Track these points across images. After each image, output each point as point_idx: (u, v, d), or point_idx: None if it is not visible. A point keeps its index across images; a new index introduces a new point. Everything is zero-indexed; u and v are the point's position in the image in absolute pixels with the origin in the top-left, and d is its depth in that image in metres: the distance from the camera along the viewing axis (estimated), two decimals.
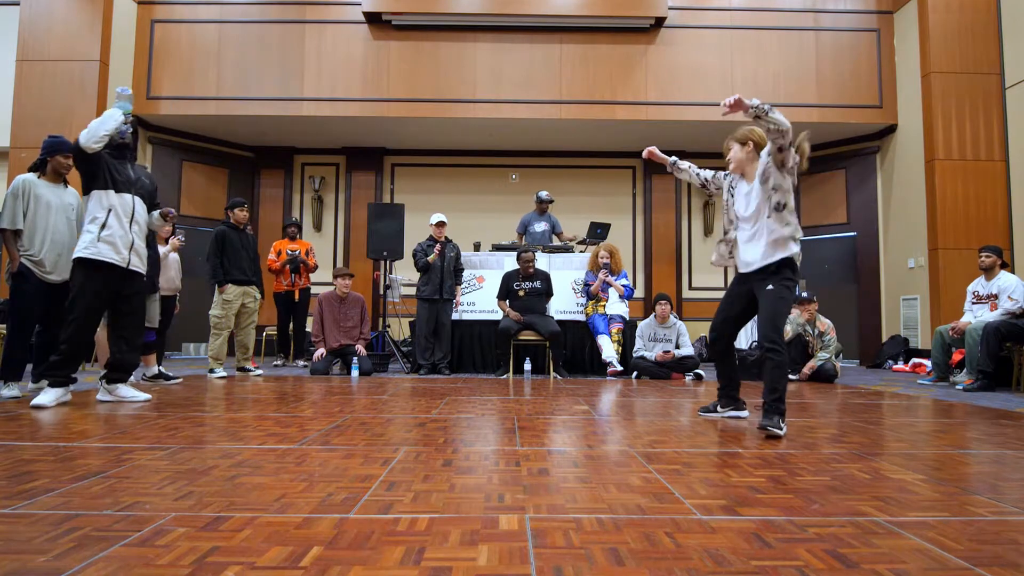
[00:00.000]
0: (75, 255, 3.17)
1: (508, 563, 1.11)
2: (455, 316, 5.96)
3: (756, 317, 2.82)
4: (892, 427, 2.80)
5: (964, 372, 4.97)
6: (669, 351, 5.42)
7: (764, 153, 2.70)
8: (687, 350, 5.50)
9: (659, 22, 7.37)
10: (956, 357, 5.15)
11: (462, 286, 6.14)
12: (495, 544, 1.21)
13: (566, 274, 6.19)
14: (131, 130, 3.30)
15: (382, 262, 6.81)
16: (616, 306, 5.86)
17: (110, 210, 3.17)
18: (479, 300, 6.21)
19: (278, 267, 6.49)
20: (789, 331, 5.28)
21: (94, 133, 3.06)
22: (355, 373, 5.31)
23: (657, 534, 1.27)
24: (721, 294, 8.57)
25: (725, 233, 2.93)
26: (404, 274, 7.22)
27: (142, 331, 3.55)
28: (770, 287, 2.68)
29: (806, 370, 5.24)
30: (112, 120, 3.11)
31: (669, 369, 5.39)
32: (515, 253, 5.91)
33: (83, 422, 2.63)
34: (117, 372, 3.33)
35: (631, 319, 6.00)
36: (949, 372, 5.15)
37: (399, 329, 7.70)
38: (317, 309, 5.64)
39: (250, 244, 5.34)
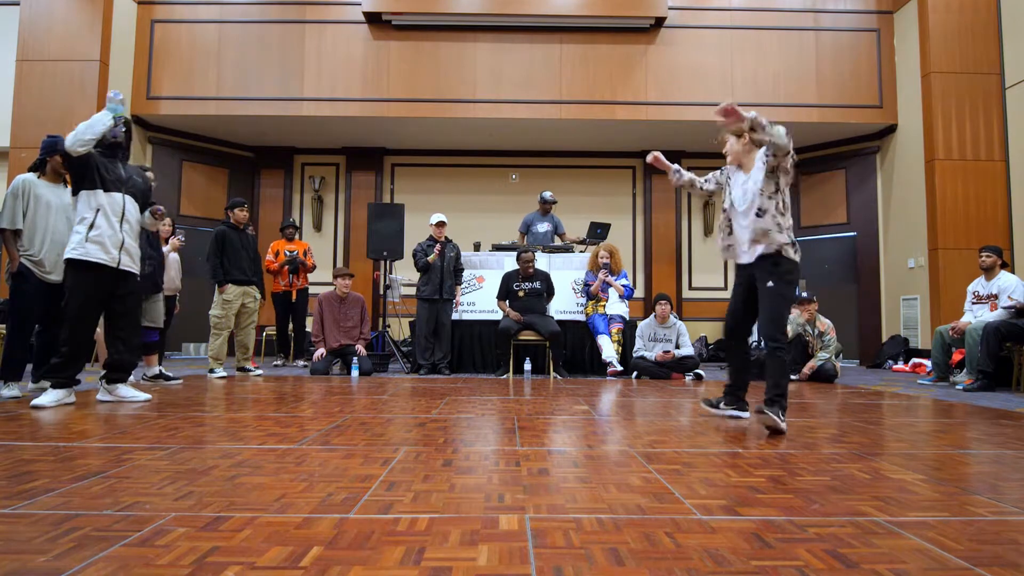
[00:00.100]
0: (64, 256, 3.16)
1: (508, 563, 1.11)
2: (455, 316, 5.96)
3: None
4: (892, 427, 2.80)
5: (964, 372, 4.97)
6: (669, 351, 5.42)
7: (764, 152, 2.69)
8: (687, 350, 5.50)
9: (659, 22, 7.37)
10: (956, 357, 5.15)
11: (462, 286, 6.14)
12: (495, 544, 1.21)
13: (566, 274, 6.19)
14: (124, 129, 3.28)
15: (382, 262, 6.81)
16: (616, 306, 5.86)
17: (98, 210, 3.15)
18: (479, 300, 6.21)
19: (276, 268, 6.49)
20: (789, 331, 5.27)
21: (80, 136, 3.03)
22: (355, 373, 5.32)
23: (657, 534, 1.27)
24: (721, 294, 8.66)
25: (722, 230, 2.93)
26: (404, 274, 7.22)
27: (138, 331, 3.54)
28: (770, 284, 2.68)
29: (806, 370, 5.24)
30: (100, 124, 3.08)
31: (669, 369, 5.39)
32: (515, 253, 5.91)
33: (83, 422, 2.63)
34: (116, 372, 3.32)
35: (631, 319, 6.00)
36: (949, 372, 5.15)
37: (399, 329, 7.70)
38: (317, 309, 5.64)
39: (250, 244, 5.34)
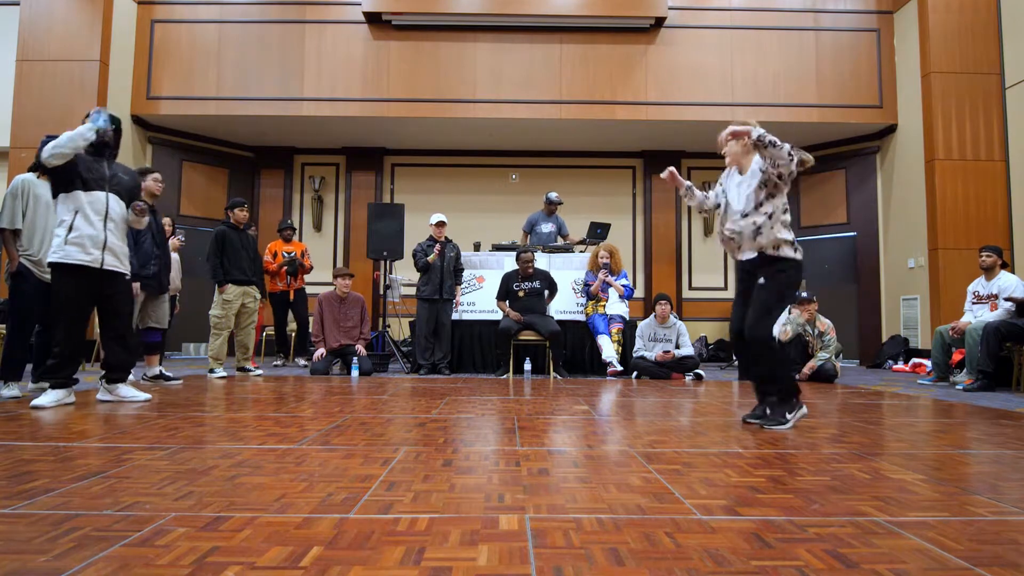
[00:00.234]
0: (47, 261, 3.15)
1: (508, 563, 1.11)
2: (455, 316, 5.96)
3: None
4: (892, 427, 2.80)
5: (964, 372, 4.97)
6: (669, 351, 5.42)
7: (761, 162, 2.68)
8: (687, 350, 5.50)
9: (659, 22, 7.37)
10: (956, 357, 5.15)
11: (462, 286, 6.14)
12: (495, 544, 1.20)
13: (566, 274, 6.19)
14: (114, 127, 3.23)
15: (382, 262, 6.81)
16: (616, 306, 5.86)
17: (77, 211, 3.10)
18: (479, 300, 6.21)
19: (275, 268, 6.49)
20: (789, 331, 5.28)
21: (59, 149, 2.98)
22: (355, 373, 5.32)
23: (657, 534, 1.27)
24: (721, 294, 8.66)
25: (722, 225, 2.92)
26: (404, 274, 7.22)
27: (132, 329, 3.51)
28: (762, 280, 2.69)
29: (806, 370, 5.23)
30: (80, 139, 3.02)
31: (669, 369, 5.39)
32: (515, 253, 5.91)
33: (83, 422, 2.63)
34: (115, 372, 3.32)
35: (631, 319, 6.00)
36: (949, 372, 5.15)
37: (399, 329, 7.70)
38: (317, 309, 5.64)
39: (250, 244, 5.34)
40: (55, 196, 3.15)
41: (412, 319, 6.19)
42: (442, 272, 5.66)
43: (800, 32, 7.48)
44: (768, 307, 2.67)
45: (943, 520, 1.39)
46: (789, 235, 2.68)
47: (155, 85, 7.30)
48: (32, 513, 1.36)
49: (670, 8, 7.33)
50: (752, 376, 2.94)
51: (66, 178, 3.10)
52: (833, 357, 5.33)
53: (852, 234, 8.06)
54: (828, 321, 5.44)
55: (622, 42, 7.46)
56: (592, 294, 5.85)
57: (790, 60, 7.44)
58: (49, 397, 3.04)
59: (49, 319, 3.28)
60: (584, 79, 7.42)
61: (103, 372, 3.34)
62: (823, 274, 8.21)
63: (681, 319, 6.33)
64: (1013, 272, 5.67)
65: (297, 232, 7.95)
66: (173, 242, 4.82)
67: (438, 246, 5.72)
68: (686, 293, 8.63)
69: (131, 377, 3.49)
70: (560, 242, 6.90)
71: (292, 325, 6.96)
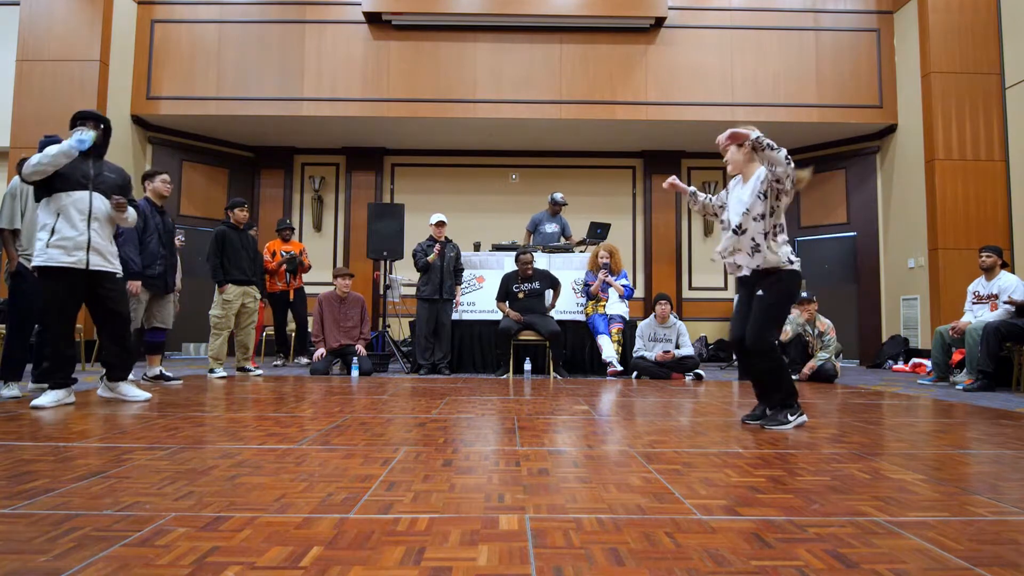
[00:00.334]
0: (31, 266, 3.14)
1: (508, 563, 1.11)
2: (455, 316, 5.96)
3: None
4: (892, 427, 2.80)
5: (964, 372, 4.97)
6: (669, 351, 5.42)
7: (763, 171, 2.69)
8: (687, 350, 5.50)
9: (659, 22, 7.37)
10: (956, 357, 5.15)
11: (462, 286, 6.14)
12: (495, 544, 1.21)
13: (566, 274, 6.18)
14: (102, 127, 3.20)
15: (382, 262, 6.82)
16: (616, 306, 5.86)
17: (59, 213, 3.06)
18: (479, 300, 6.21)
19: (274, 267, 6.49)
20: (789, 331, 5.28)
21: (41, 167, 2.95)
22: (355, 373, 5.32)
23: (657, 534, 1.27)
24: (721, 294, 8.66)
25: (721, 246, 2.92)
26: (404, 274, 7.22)
27: (129, 329, 3.48)
28: (760, 292, 2.70)
29: (806, 370, 5.23)
30: (63, 156, 2.98)
31: (669, 369, 5.39)
32: (514, 254, 5.91)
33: (83, 422, 2.63)
34: (115, 371, 3.32)
35: (631, 319, 6.00)
36: (949, 372, 5.15)
37: (399, 329, 7.70)
38: (317, 309, 5.64)
39: (250, 244, 5.34)
40: (37, 200, 3.11)
41: (412, 319, 6.19)
42: (442, 272, 5.66)
43: (800, 32, 7.48)
44: (768, 318, 2.69)
45: (943, 520, 1.39)
46: (786, 249, 2.69)
47: (155, 85, 7.30)
48: (32, 513, 1.36)
49: (670, 8, 7.33)
50: (753, 381, 2.95)
51: (47, 183, 3.06)
52: (833, 357, 5.33)
53: (852, 234, 8.06)
54: (828, 321, 5.44)
55: (622, 42, 7.46)
56: (592, 294, 5.85)
57: (790, 60, 7.44)
58: (49, 397, 3.04)
59: (39, 322, 3.27)
60: (584, 79, 7.41)
61: (104, 371, 3.34)
62: (823, 274, 8.21)
63: (681, 319, 6.33)
64: (1013, 272, 5.67)
65: (297, 232, 7.95)
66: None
67: (438, 246, 5.72)
68: (686, 293, 8.63)
69: (131, 376, 3.49)
70: (562, 243, 6.91)
71: (292, 325, 6.97)
